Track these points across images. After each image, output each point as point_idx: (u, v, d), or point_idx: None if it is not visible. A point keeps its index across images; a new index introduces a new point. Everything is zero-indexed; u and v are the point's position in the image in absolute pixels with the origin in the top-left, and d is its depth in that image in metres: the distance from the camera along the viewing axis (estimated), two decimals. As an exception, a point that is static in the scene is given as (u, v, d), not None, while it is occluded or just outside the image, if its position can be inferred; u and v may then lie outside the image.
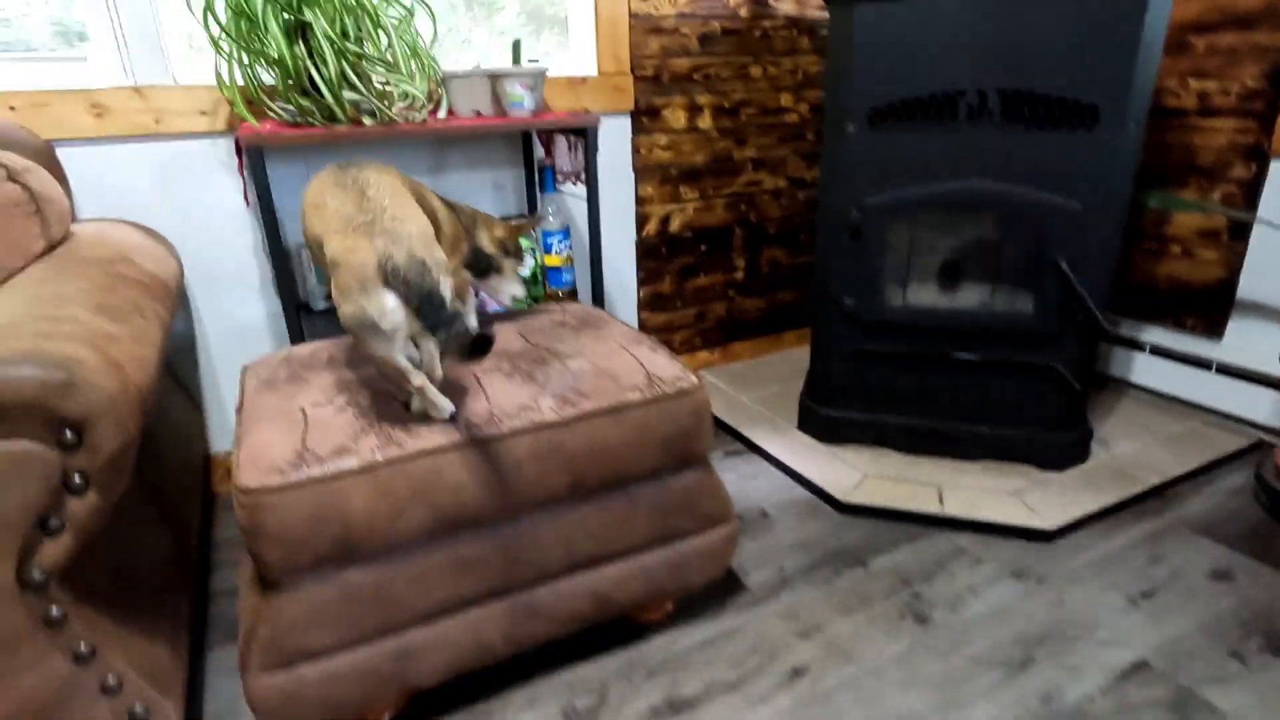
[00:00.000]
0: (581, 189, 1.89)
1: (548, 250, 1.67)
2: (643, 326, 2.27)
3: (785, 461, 1.83)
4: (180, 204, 1.61)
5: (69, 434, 0.81)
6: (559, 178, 1.72)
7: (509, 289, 1.36)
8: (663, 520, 1.19)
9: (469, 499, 1.02)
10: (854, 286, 1.73)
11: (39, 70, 1.51)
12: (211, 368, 1.75)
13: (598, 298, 1.66)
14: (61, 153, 1.51)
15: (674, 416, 1.15)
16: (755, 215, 2.34)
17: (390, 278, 0.89)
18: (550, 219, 1.67)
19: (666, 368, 1.20)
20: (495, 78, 1.58)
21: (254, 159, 1.27)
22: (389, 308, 0.90)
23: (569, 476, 1.08)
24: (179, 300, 1.34)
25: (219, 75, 1.42)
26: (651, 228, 2.18)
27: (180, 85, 1.56)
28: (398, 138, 1.37)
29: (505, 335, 1.32)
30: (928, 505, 1.61)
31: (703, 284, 2.33)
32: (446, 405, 1.02)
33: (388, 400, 1.09)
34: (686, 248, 2.26)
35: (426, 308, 0.89)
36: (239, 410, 1.10)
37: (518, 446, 1.04)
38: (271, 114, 1.47)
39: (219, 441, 1.82)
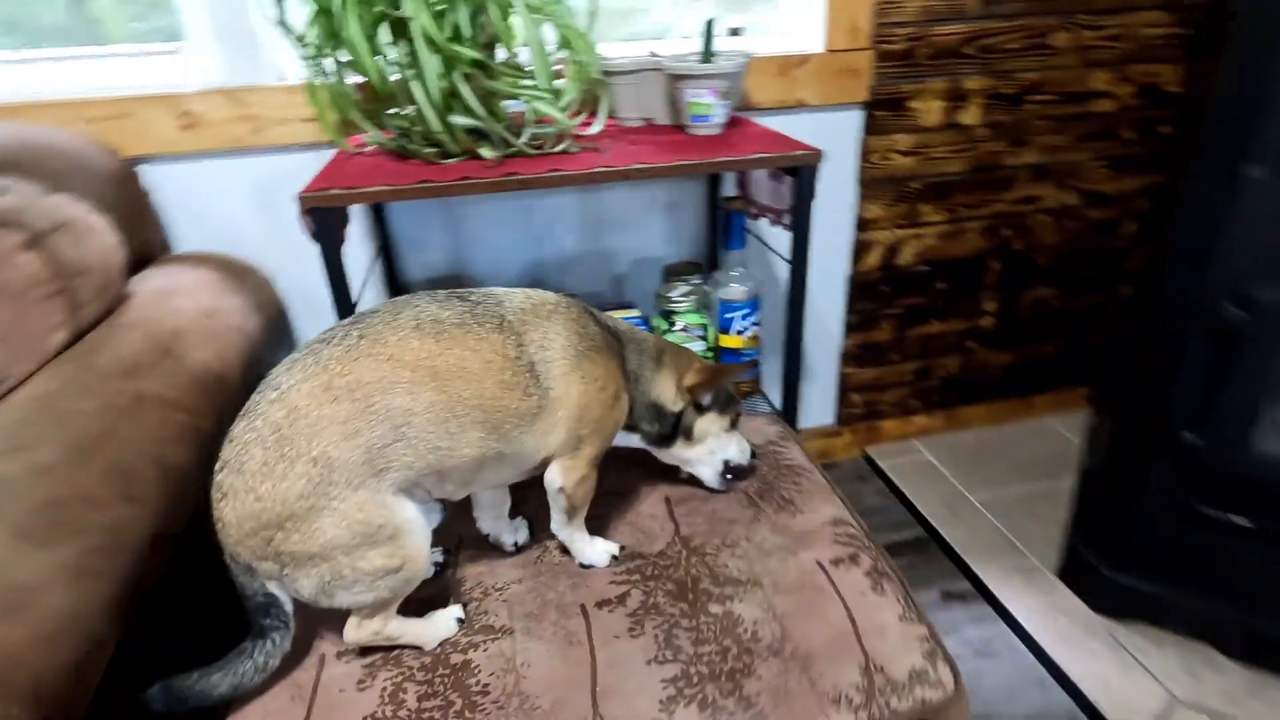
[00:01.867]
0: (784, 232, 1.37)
1: (725, 328, 1.20)
2: (845, 384, 1.74)
3: (1043, 644, 1.27)
4: (280, 229, 1.31)
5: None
6: (753, 212, 1.22)
7: (709, 462, 0.91)
8: None
9: None
10: (1203, 415, 1.09)
11: (122, 71, 1.23)
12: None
13: (791, 386, 1.16)
14: (151, 172, 1.24)
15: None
16: (1022, 242, 1.68)
17: None
18: (733, 285, 1.18)
19: (898, 644, 0.71)
20: (675, 78, 1.09)
21: (320, 221, 0.91)
22: None
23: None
24: (243, 381, 1.03)
25: (309, 83, 1.05)
26: (873, 259, 1.61)
27: (282, 85, 1.22)
28: (517, 189, 0.94)
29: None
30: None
31: (934, 331, 1.73)
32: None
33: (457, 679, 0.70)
34: (918, 285, 1.66)
35: None
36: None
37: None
38: (371, 136, 1.09)
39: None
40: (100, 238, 1.02)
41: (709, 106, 1.08)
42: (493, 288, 0.77)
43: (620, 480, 0.94)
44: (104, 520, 0.69)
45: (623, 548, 0.84)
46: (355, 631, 0.70)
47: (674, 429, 0.85)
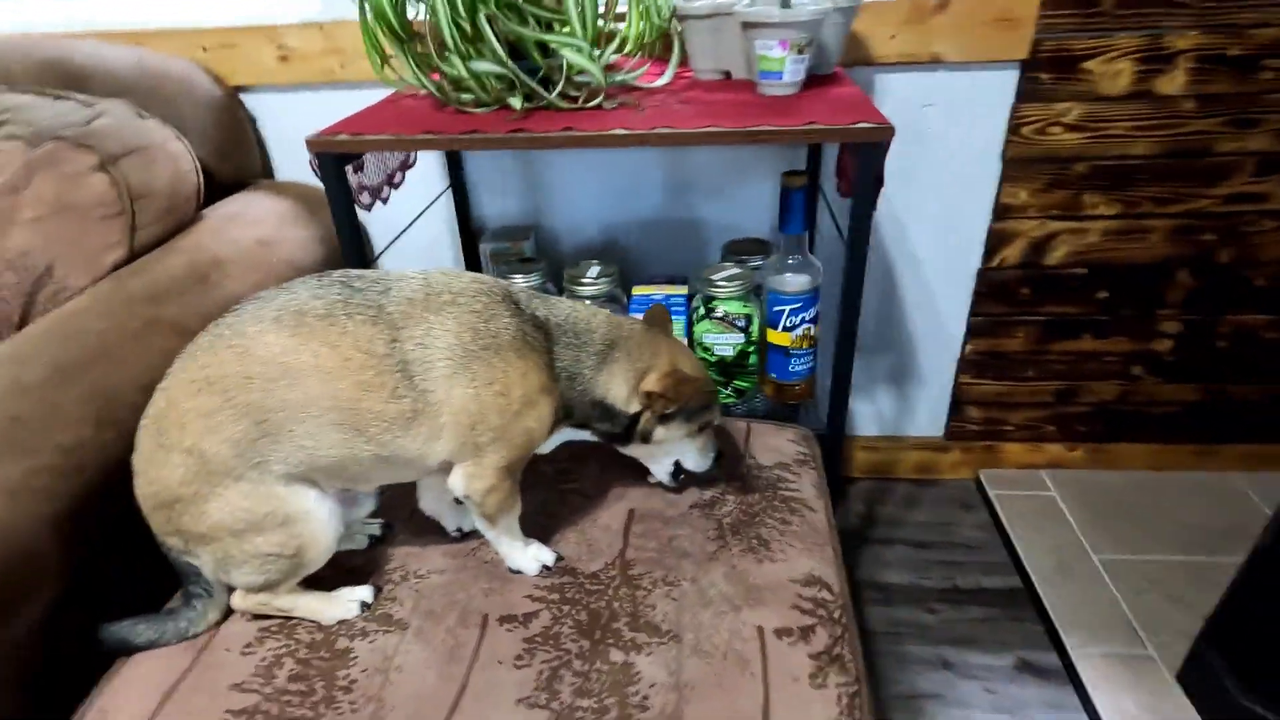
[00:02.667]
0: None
1: (773, 323, 1.04)
2: (960, 394, 1.49)
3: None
4: (366, 167, 1.33)
5: None
6: (844, 188, 1.03)
7: (662, 461, 0.82)
8: None
9: None
10: None
11: (232, 2, 1.29)
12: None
13: (839, 402, 0.99)
14: (253, 101, 1.31)
15: None
16: (1231, 253, 1.30)
17: None
18: (787, 274, 1.02)
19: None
20: (744, 26, 0.93)
21: (326, 167, 0.89)
22: None
23: None
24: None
25: (361, 20, 1.02)
26: (1011, 254, 1.33)
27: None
28: (522, 148, 0.85)
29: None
30: None
31: (1087, 348, 1.42)
32: None
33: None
34: (1070, 290, 1.36)
35: None
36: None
37: None
38: (411, 78, 1.04)
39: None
40: (172, 164, 1.08)
41: (778, 61, 0.91)
42: (398, 271, 0.70)
43: (588, 481, 0.86)
44: (65, 441, 0.74)
45: (560, 558, 0.77)
46: (241, 600, 0.70)
47: (628, 430, 0.75)
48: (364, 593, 0.73)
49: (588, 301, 1.14)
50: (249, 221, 1.16)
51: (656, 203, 1.32)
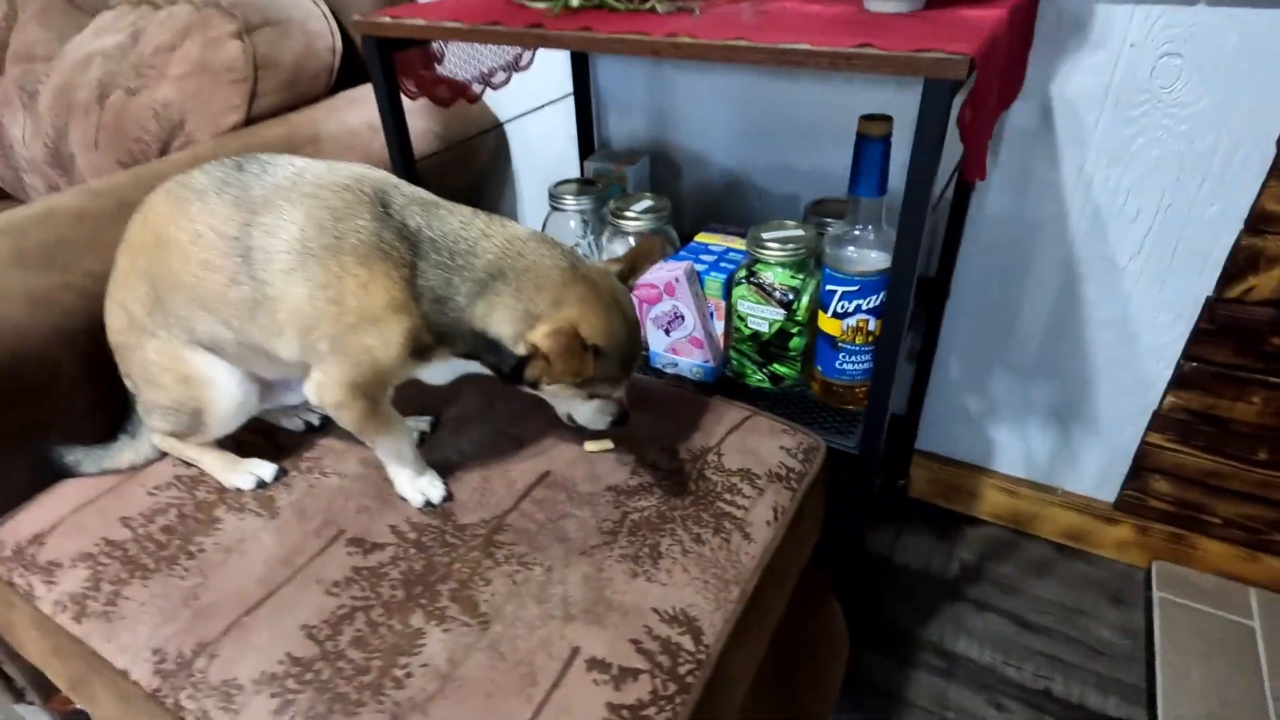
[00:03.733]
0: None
1: (825, 304, 0.83)
2: (1147, 459, 1.11)
3: None
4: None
5: None
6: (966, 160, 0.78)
7: (555, 404, 0.72)
8: None
9: None
10: None
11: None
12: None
13: (874, 425, 0.78)
14: (419, -13, 1.34)
15: None
16: None
17: None
18: (847, 249, 0.79)
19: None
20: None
21: (371, 51, 0.86)
22: None
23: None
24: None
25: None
26: (1265, 284, 0.93)
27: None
28: (534, 45, 0.73)
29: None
30: None
31: (1369, 444, 0.96)
32: None
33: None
34: (1358, 357, 0.92)
35: None
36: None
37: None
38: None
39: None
40: (306, 41, 1.15)
41: (881, -36, 0.69)
42: (296, 159, 0.66)
43: (527, 429, 0.78)
44: (95, 268, 0.84)
45: (448, 498, 0.71)
46: (159, 439, 0.76)
47: (516, 372, 0.64)
48: (265, 470, 0.74)
49: (576, 227, 1.03)
50: (372, 106, 1.20)
51: (792, 137, 1.13)
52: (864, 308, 0.81)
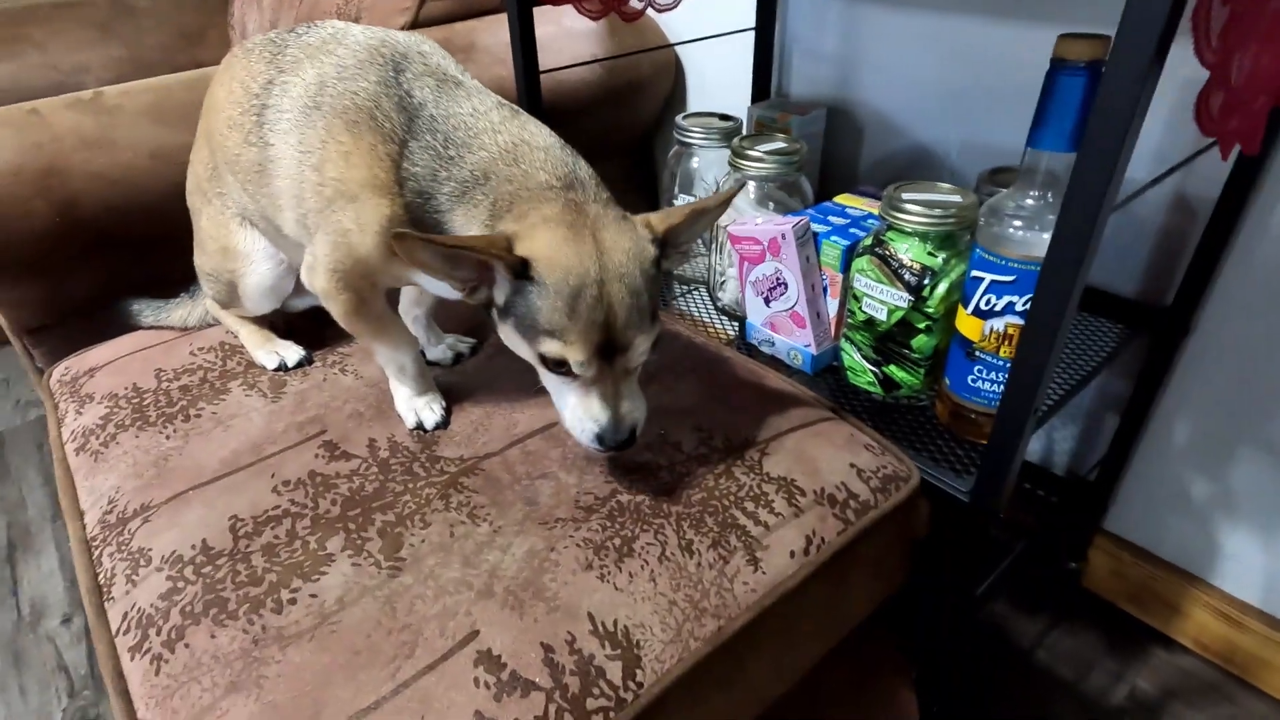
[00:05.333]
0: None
1: (967, 295, 0.61)
2: None
3: None
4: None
5: None
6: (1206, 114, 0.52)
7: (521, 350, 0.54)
8: None
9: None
10: None
11: None
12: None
13: (1002, 449, 0.57)
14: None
15: None
16: None
17: None
18: (1010, 225, 0.57)
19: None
20: None
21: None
22: None
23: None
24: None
25: None
26: None
27: None
28: None
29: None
30: None
31: None
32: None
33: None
34: None
35: None
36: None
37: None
38: None
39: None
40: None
41: None
42: (354, 25, 0.58)
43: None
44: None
45: (441, 426, 0.62)
46: (209, 303, 0.76)
47: (488, 303, 0.53)
48: (291, 354, 0.71)
49: (699, 166, 0.84)
50: (544, 22, 1.15)
51: (996, 112, 0.88)
52: (1018, 308, 0.59)
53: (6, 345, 0.97)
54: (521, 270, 0.47)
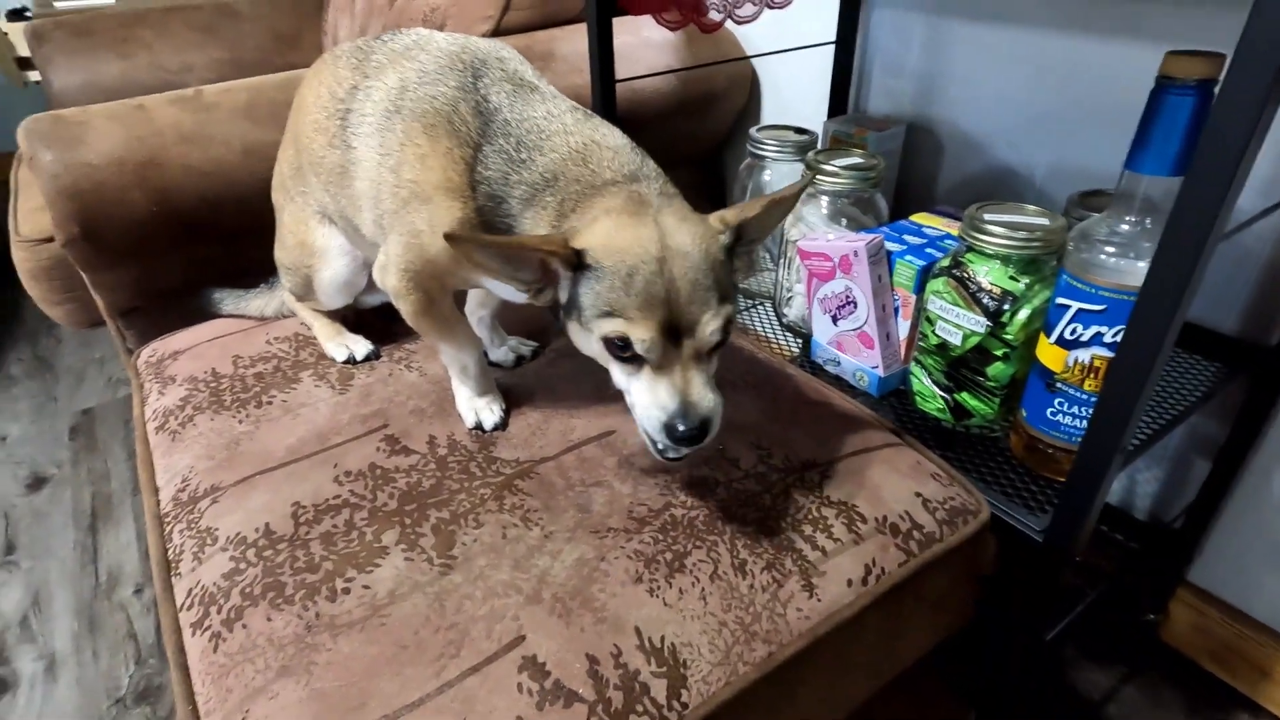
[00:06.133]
0: None
1: (1050, 324, 0.57)
2: None
3: None
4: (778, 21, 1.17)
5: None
6: None
7: (584, 347, 0.53)
8: None
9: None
10: None
11: None
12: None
13: (1084, 484, 0.54)
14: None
15: None
16: None
17: None
18: (1102, 252, 0.53)
19: None
20: None
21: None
22: None
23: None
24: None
25: None
26: None
27: None
28: None
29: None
30: None
31: None
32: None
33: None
34: None
35: None
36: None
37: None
38: None
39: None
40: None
41: None
42: (438, 32, 0.60)
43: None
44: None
45: (500, 427, 0.63)
46: (287, 295, 0.78)
47: (555, 307, 0.52)
48: (359, 348, 0.73)
49: (771, 179, 0.82)
50: (622, 32, 1.16)
51: (1089, 135, 0.84)
52: (1106, 339, 0.55)
53: (102, 325, 1.03)
54: (578, 262, 0.47)
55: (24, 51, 1.76)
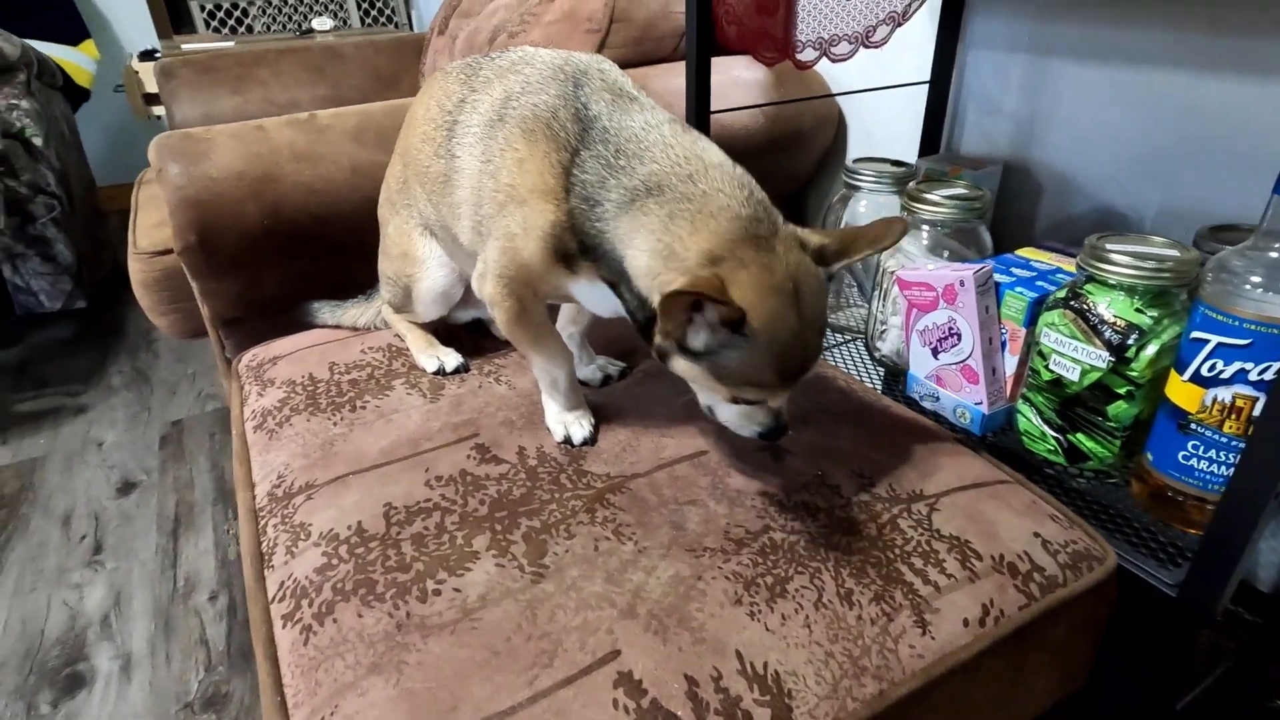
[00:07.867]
0: None
1: (1183, 362, 0.53)
2: None
3: None
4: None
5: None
6: None
7: (698, 393, 0.55)
8: None
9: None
10: None
11: None
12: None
13: (1228, 536, 0.47)
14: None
15: None
16: None
17: None
18: (1248, 284, 0.49)
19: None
20: None
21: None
22: None
23: None
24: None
25: None
26: None
27: None
28: None
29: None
30: None
31: None
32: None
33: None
34: None
35: None
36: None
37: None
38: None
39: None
40: (663, 3, 1.16)
41: None
42: (544, 49, 0.61)
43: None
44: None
45: (589, 442, 0.62)
46: (385, 306, 0.80)
47: (647, 329, 0.52)
48: (450, 360, 0.74)
49: (866, 210, 0.82)
50: (716, 71, 1.18)
51: (1202, 174, 0.80)
52: (1251, 376, 0.51)
53: (200, 337, 1.07)
54: (736, 324, 0.46)
55: (151, 88, 1.91)
